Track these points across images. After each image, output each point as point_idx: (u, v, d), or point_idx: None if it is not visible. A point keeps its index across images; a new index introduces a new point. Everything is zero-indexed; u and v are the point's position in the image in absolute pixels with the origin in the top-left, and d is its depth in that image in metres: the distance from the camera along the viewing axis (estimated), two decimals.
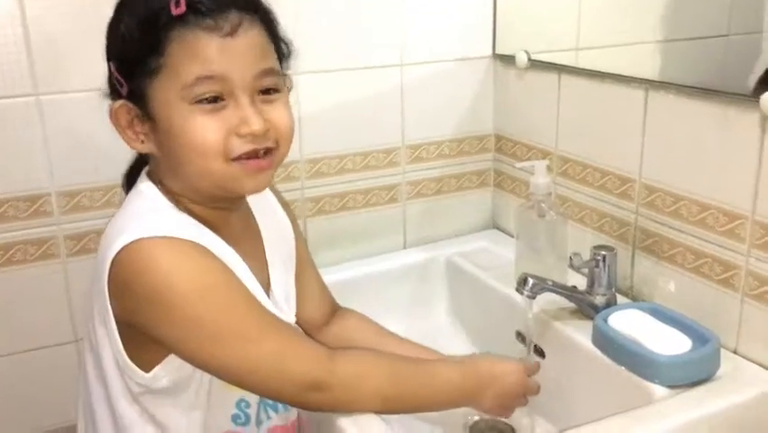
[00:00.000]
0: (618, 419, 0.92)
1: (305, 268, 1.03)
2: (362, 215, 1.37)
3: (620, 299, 1.16)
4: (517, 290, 1.10)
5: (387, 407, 0.88)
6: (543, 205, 1.22)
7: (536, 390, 1.00)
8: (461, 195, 1.47)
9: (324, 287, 1.08)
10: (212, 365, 0.82)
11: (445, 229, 1.46)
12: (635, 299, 1.19)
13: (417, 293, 1.38)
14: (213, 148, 0.80)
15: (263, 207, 0.99)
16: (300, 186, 1.32)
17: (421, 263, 1.40)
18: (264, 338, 0.82)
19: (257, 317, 0.83)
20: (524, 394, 0.98)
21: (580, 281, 1.19)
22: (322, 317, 1.06)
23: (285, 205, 1.04)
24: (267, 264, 0.95)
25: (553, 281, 1.12)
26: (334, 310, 1.08)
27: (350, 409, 0.87)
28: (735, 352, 1.04)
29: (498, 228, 1.51)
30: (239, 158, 0.81)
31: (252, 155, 0.81)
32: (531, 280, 1.09)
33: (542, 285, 1.10)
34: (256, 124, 0.80)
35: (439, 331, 1.35)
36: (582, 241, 1.25)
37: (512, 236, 1.42)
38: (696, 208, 1.07)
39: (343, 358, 0.86)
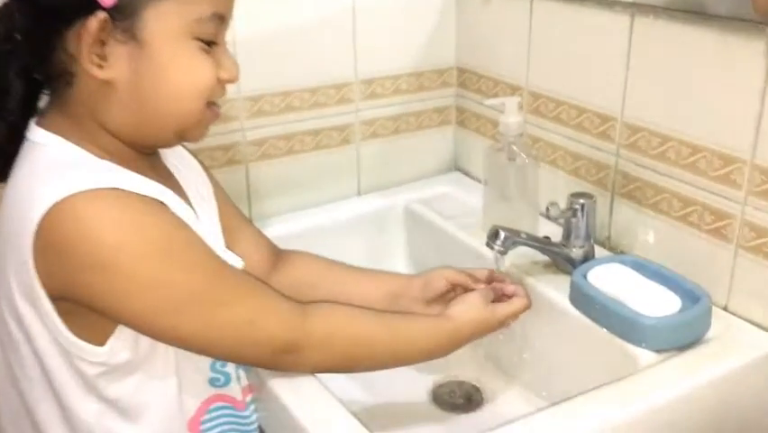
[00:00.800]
0: (605, 391, 0.82)
1: (231, 216, 0.95)
2: (312, 159, 1.25)
3: (598, 251, 1.06)
4: (488, 244, 0.98)
5: (362, 365, 0.84)
6: (513, 147, 1.10)
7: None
8: (421, 135, 1.35)
9: (257, 232, 0.99)
10: (173, 336, 0.74)
11: (403, 173, 1.34)
12: (613, 250, 1.09)
13: (374, 244, 1.27)
14: (205, 89, 0.76)
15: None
16: (240, 127, 1.18)
17: (377, 212, 1.29)
18: (235, 300, 0.75)
19: (225, 275, 0.76)
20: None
21: (552, 231, 1.08)
22: (264, 265, 0.97)
23: (190, 151, 0.95)
24: (193, 207, 0.85)
25: (527, 234, 1.01)
26: (276, 255, 0.99)
27: (323, 369, 0.82)
28: (725, 309, 0.95)
29: (461, 171, 1.39)
30: (212, 104, 0.78)
31: (213, 103, 0.79)
32: (503, 234, 0.97)
33: (514, 239, 0.98)
34: (236, 72, 0.78)
35: None
36: (554, 187, 1.14)
37: (476, 180, 1.33)
38: (686, 151, 0.96)
39: (316, 316, 0.80)
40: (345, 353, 0.82)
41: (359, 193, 1.32)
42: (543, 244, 1.02)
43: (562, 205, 1.02)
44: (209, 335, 0.74)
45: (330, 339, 0.81)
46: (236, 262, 0.86)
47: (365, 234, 1.27)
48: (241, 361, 0.82)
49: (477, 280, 0.97)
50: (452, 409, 1.05)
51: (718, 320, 0.91)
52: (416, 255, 1.29)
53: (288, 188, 1.24)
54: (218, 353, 0.78)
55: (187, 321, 0.72)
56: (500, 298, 0.94)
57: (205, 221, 0.87)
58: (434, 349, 0.88)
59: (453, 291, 0.97)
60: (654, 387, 0.83)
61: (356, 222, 1.26)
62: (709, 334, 0.90)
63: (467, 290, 0.95)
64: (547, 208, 1.01)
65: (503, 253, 0.98)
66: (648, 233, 1.03)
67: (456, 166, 1.40)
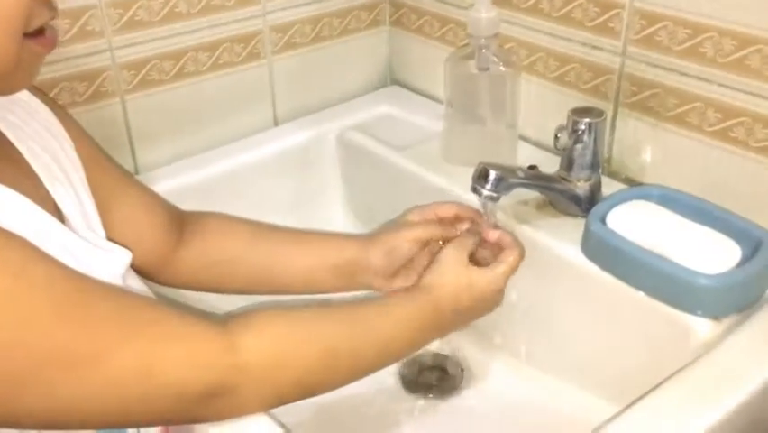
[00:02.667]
0: (673, 388, 0.60)
1: (106, 179, 0.70)
2: (209, 83, 0.97)
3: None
4: (474, 189, 0.73)
5: (323, 386, 0.62)
6: (485, 52, 0.84)
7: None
8: (348, 41, 1.08)
9: (148, 194, 0.76)
10: (30, 420, 0.49)
11: (329, 92, 1.09)
12: (614, 177, 0.87)
13: (301, 189, 1.03)
14: (14, 14, 0.51)
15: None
16: (107, 46, 0.87)
17: (302, 145, 1.03)
18: (117, 345, 0.50)
19: (93, 310, 0.50)
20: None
21: (535, 157, 0.86)
22: (163, 242, 0.75)
23: (39, 92, 0.67)
24: (41, 181, 0.61)
25: (524, 171, 0.76)
26: (179, 222, 0.77)
27: (272, 405, 0.59)
28: None
29: (400, 84, 1.14)
30: (34, 34, 0.54)
31: (40, 31, 0.54)
32: (494, 174, 0.72)
33: (510, 179, 0.73)
34: None
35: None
36: (533, 101, 0.91)
37: (421, 95, 1.10)
38: (730, 45, 0.72)
39: (247, 337, 0.57)
40: (299, 378, 0.59)
41: (275, 123, 1.06)
42: (546, 182, 0.78)
43: (547, 124, 0.78)
44: (83, 406, 0.50)
45: (275, 365, 0.57)
46: (120, 256, 0.62)
47: (288, 177, 1.02)
48: (148, 423, 0.57)
49: (450, 224, 0.77)
50: (427, 392, 0.86)
51: None
52: (356, 199, 1.04)
53: (182, 126, 0.97)
54: (109, 421, 0.53)
55: (40, 394, 0.48)
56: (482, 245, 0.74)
57: (67, 203, 0.60)
58: (415, 342, 0.68)
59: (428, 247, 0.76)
60: (743, 372, 0.62)
61: (275, 161, 1.01)
62: None
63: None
64: (556, 137, 0.76)
65: (495, 199, 0.74)
66: (669, 154, 0.81)
67: (393, 78, 1.14)
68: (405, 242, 0.75)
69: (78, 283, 0.50)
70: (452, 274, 0.69)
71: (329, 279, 0.76)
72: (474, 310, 0.71)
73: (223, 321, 0.56)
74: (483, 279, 0.70)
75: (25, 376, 0.46)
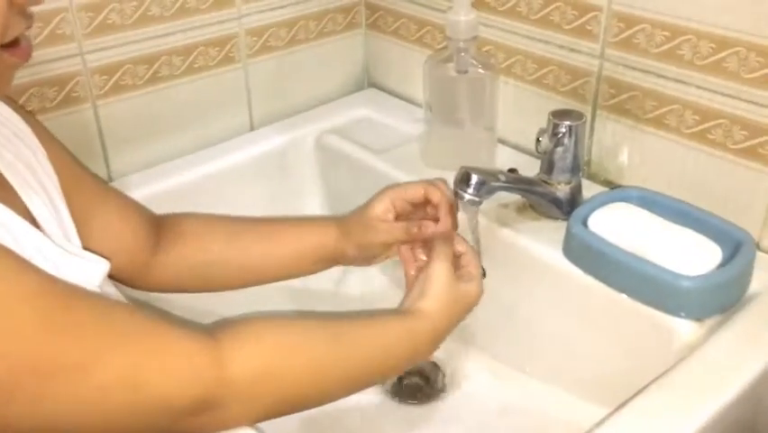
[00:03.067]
0: (661, 389, 0.61)
1: (79, 186, 0.69)
2: (184, 87, 0.96)
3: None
4: (456, 193, 0.73)
5: (309, 403, 0.61)
6: (464, 55, 0.84)
7: None
8: (324, 44, 1.07)
9: (123, 200, 0.76)
10: (13, 430, 0.48)
11: (306, 96, 1.08)
12: (593, 180, 0.88)
13: (279, 191, 1.02)
14: None
15: None
16: (77, 50, 0.86)
17: (279, 150, 1.02)
18: (102, 355, 0.49)
19: (77, 319, 0.49)
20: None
21: (514, 160, 0.87)
22: (141, 249, 0.74)
23: (8, 99, 0.65)
24: (14, 191, 0.60)
25: (506, 174, 0.76)
26: (156, 227, 0.76)
27: (256, 420, 0.58)
28: (758, 249, 0.75)
29: (377, 87, 1.13)
30: (8, 44, 0.53)
31: (14, 41, 0.53)
32: (475, 177, 0.72)
33: (492, 183, 0.73)
34: None
35: None
36: (511, 103, 0.91)
37: (398, 98, 1.10)
38: (707, 47, 0.73)
39: (236, 349, 0.56)
40: (286, 393, 0.58)
41: (252, 127, 1.04)
42: (528, 185, 0.78)
43: (527, 126, 0.78)
44: (67, 417, 0.49)
45: (261, 381, 0.56)
46: (97, 266, 0.61)
47: (265, 182, 1.01)
48: None
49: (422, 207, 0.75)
50: (409, 398, 0.85)
51: (759, 269, 0.72)
52: (335, 204, 1.02)
53: (156, 131, 0.95)
54: None
55: (25, 404, 0.47)
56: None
57: (42, 212, 0.59)
58: (408, 360, 0.66)
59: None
60: (728, 373, 0.62)
61: (252, 166, 1.00)
62: (752, 287, 0.71)
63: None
64: (538, 140, 0.76)
65: (477, 203, 0.73)
66: (647, 157, 0.82)
67: (370, 81, 1.14)
68: (375, 244, 0.75)
69: (64, 292, 0.49)
70: (446, 296, 0.67)
71: (307, 267, 0.77)
72: (462, 319, 0.70)
73: (210, 332, 0.55)
74: (473, 291, 0.69)
75: (10, 386, 0.45)
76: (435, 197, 0.73)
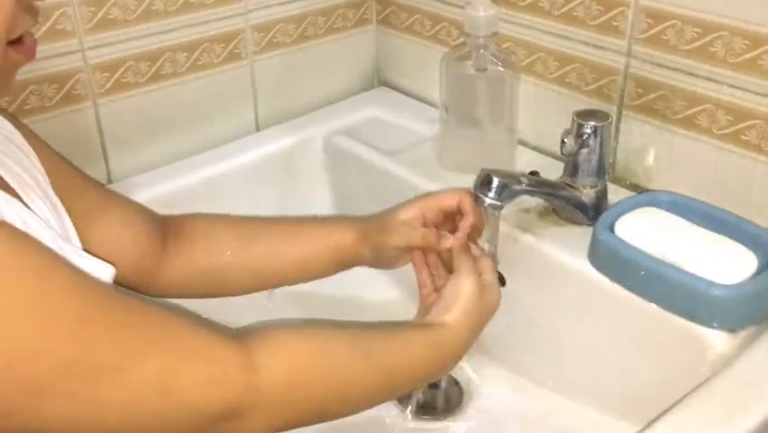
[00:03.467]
0: (695, 404, 0.59)
1: (79, 190, 0.68)
2: (188, 84, 0.94)
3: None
4: (477, 197, 0.71)
5: (330, 415, 0.60)
6: (483, 52, 0.83)
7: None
8: (333, 40, 1.06)
9: (130, 206, 0.75)
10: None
11: (314, 95, 1.07)
12: (619, 183, 0.86)
13: (285, 195, 1.01)
14: (4, 22, 0.50)
15: None
16: (78, 46, 0.84)
17: (286, 151, 1.01)
18: (134, 358, 0.49)
19: (108, 316, 0.49)
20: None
21: (535, 162, 0.85)
22: (148, 252, 0.73)
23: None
24: (15, 192, 0.59)
25: (528, 178, 0.74)
26: (164, 230, 0.75)
27: (276, 430, 0.57)
28: None
29: (388, 85, 1.12)
30: (13, 41, 0.54)
31: (19, 39, 0.54)
32: (497, 180, 0.70)
33: (514, 186, 0.71)
34: None
35: None
36: (532, 103, 0.89)
37: (411, 96, 1.09)
38: (741, 44, 0.71)
39: (266, 356, 0.55)
40: (310, 405, 0.57)
41: (257, 128, 1.04)
42: (551, 189, 0.76)
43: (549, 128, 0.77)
44: (99, 419, 0.48)
45: (290, 390, 0.55)
46: (103, 270, 0.59)
47: (272, 185, 1.00)
48: None
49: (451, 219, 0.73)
50: (423, 413, 0.83)
51: None
52: (345, 209, 1.01)
53: (158, 132, 0.94)
54: None
55: (59, 406, 0.46)
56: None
57: (45, 215, 0.59)
58: (434, 374, 0.67)
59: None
60: (764, 387, 0.60)
61: (257, 169, 0.99)
62: None
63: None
64: (563, 141, 0.74)
65: (499, 207, 0.71)
66: (676, 159, 0.80)
67: (381, 80, 1.13)
68: (390, 247, 0.72)
69: (99, 290, 0.49)
70: (474, 310, 0.65)
71: (324, 269, 0.75)
72: (484, 325, 0.69)
73: (238, 336, 0.54)
74: (492, 300, 0.67)
75: (45, 387, 0.45)
76: (467, 206, 0.71)
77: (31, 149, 0.63)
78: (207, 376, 0.51)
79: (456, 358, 0.65)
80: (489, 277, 0.68)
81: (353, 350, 0.60)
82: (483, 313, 0.66)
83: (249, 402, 0.53)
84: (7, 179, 0.56)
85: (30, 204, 0.57)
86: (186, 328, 0.52)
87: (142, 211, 0.74)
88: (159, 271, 0.73)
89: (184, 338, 0.51)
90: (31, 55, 0.54)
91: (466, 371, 0.85)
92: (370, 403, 0.61)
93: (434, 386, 0.85)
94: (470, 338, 0.65)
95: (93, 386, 0.47)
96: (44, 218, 0.58)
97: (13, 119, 0.65)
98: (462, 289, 0.65)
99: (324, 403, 0.57)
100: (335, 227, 0.76)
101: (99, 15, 0.84)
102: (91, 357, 0.46)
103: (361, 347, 0.60)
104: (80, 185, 0.69)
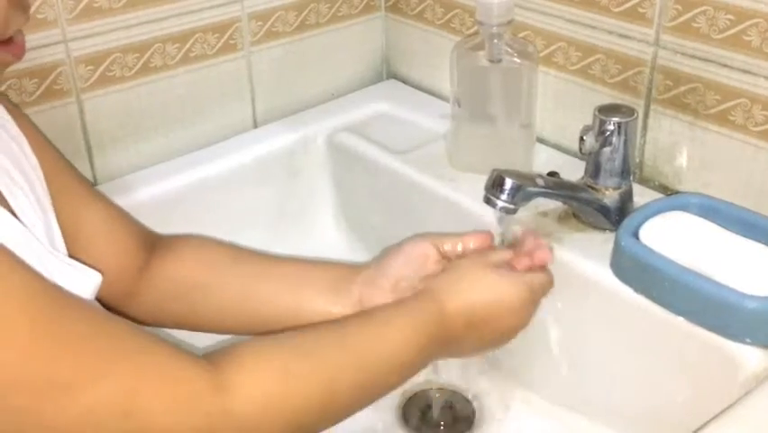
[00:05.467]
0: (727, 426, 0.61)
1: (66, 189, 0.73)
2: (179, 78, 0.99)
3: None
4: (488, 200, 0.74)
5: (318, 426, 0.62)
6: (497, 42, 0.86)
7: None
8: (337, 30, 1.11)
9: (118, 215, 0.80)
10: None
11: (317, 88, 1.12)
12: (646, 184, 0.89)
13: (286, 197, 1.06)
14: None
15: None
16: (61, 37, 0.88)
17: (286, 149, 1.06)
18: (96, 376, 0.51)
19: (72, 331, 0.51)
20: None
21: (555, 162, 0.88)
22: (129, 262, 0.78)
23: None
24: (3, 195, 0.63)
25: (545, 179, 0.77)
26: (151, 248, 0.80)
27: None
28: None
29: (397, 78, 1.17)
30: (8, 40, 0.60)
31: (10, 38, 0.60)
32: (510, 182, 0.73)
33: (528, 188, 0.74)
34: None
35: (327, 250, 1.02)
36: (551, 97, 0.92)
37: (421, 90, 1.13)
38: None
39: (240, 377, 0.57)
40: (292, 421, 0.59)
41: (255, 124, 1.09)
42: (570, 191, 0.78)
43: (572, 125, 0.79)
44: None
45: (269, 409, 0.57)
46: (89, 278, 0.63)
47: (271, 186, 1.05)
48: None
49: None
50: None
51: None
52: (350, 211, 1.07)
53: (147, 129, 0.99)
54: None
55: (6, 423, 0.49)
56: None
57: (29, 214, 0.62)
58: (419, 365, 0.68)
59: None
60: None
61: (255, 168, 1.04)
62: None
63: None
64: (582, 139, 0.76)
65: (512, 211, 0.74)
66: (709, 158, 0.83)
67: (389, 72, 1.18)
68: (381, 291, 0.75)
69: (59, 299, 0.51)
70: (469, 277, 0.69)
71: (314, 317, 0.76)
72: (493, 328, 0.70)
73: (209, 358, 0.56)
74: (509, 284, 0.69)
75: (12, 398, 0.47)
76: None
77: (24, 138, 0.67)
78: (173, 398, 0.52)
79: (446, 341, 0.67)
80: (541, 279, 0.71)
81: (335, 352, 0.62)
82: (494, 291, 0.69)
83: (221, 427, 0.54)
84: None
85: (12, 202, 0.60)
86: (150, 345, 0.54)
87: (130, 223, 0.79)
88: (136, 290, 0.76)
89: (148, 356, 0.53)
90: (20, 55, 0.58)
91: (478, 388, 0.89)
92: (356, 408, 0.63)
93: (446, 406, 0.89)
94: (471, 338, 0.68)
95: (43, 404, 0.48)
96: (29, 223, 0.61)
97: (6, 101, 0.69)
98: (458, 263, 0.71)
99: (307, 417, 0.59)
100: (328, 265, 0.80)
101: (83, 3, 0.88)
102: (43, 372, 0.48)
103: (341, 347, 0.63)
104: (70, 182, 0.74)
